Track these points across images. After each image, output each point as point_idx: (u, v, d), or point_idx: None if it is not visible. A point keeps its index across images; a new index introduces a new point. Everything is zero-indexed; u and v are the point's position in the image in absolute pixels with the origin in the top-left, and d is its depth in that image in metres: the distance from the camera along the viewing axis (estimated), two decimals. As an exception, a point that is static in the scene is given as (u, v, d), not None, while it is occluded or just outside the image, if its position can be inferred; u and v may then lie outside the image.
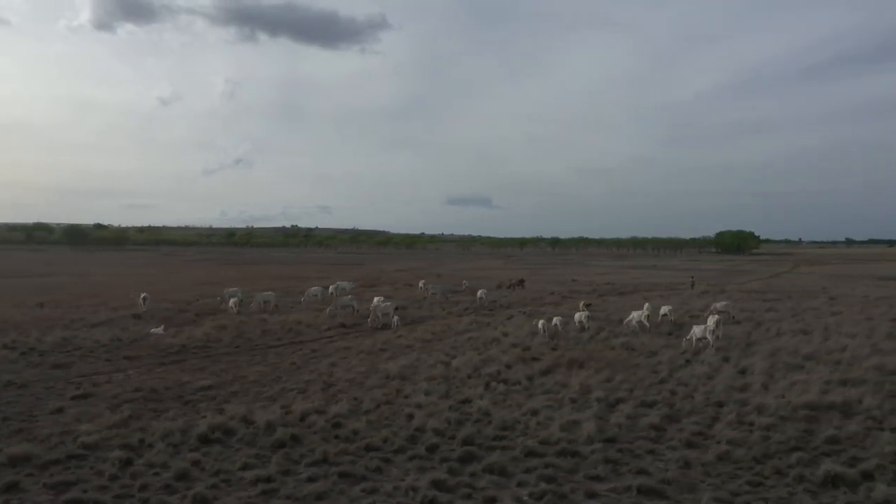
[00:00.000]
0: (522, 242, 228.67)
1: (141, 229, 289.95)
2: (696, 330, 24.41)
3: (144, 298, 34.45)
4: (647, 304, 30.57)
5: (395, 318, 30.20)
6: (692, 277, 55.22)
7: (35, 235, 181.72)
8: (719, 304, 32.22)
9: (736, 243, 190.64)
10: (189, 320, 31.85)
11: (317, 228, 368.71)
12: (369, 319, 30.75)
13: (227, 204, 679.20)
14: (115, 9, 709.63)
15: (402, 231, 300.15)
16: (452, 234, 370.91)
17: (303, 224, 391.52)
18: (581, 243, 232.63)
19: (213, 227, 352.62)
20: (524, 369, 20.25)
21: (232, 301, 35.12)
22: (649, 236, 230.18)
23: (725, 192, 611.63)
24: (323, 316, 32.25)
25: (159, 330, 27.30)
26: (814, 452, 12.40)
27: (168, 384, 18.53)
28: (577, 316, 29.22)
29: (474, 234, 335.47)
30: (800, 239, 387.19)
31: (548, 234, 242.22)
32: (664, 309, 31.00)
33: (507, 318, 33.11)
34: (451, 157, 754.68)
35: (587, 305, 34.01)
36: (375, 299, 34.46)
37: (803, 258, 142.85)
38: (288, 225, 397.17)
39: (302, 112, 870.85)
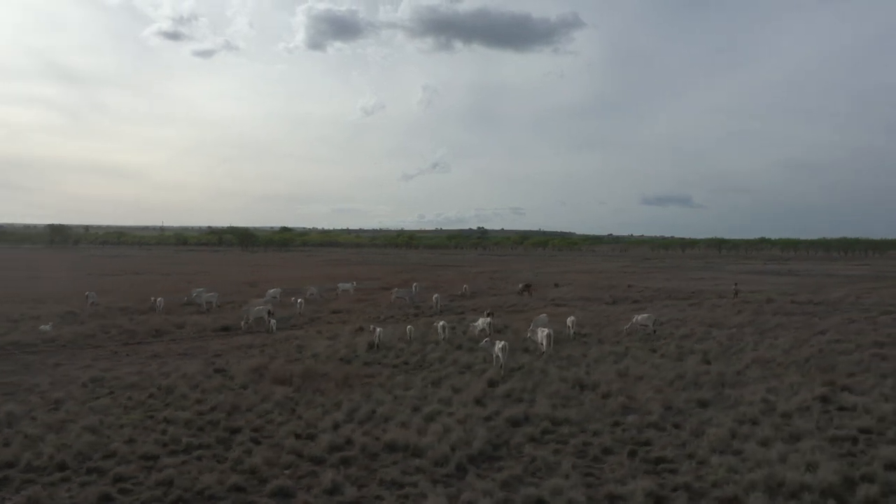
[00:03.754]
0: (683, 243, 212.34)
1: (325, 231, 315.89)
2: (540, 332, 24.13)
3: (88, 296, 37.36)
4: (483, 318, 28.69)
5: (273, 321, 30.01)
6: (736, 285, 48.28)
7: (224, 238, 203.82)
8: (640, 318, 28.41)
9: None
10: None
11: (502, 230, 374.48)
12: (242, 322, 30.78)
13: (425, 207, 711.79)
14: (326, 29, 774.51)
15: (589, 232, 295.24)
16: (643, 235, 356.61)
17: (494, 226, 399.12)
18: (761, 244, 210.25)
19: (406, 229, 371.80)
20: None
21: (203, 299, 37.25)
22: (863, 237, 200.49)
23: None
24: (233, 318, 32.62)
25: (47, 327, 29.41)
26: None
27: None
28: (479, 323, 27.97)
29: (673, 234, 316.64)
30: None
31: (753, 235, 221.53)
32: (569, 320, 28.41)
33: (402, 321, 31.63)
34: (647, 154, 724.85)
35: (489, 314, 31.41)
36: (299, 300, 34.65)
37: None
38: (475, 227, 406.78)
39: (495, 115, 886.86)
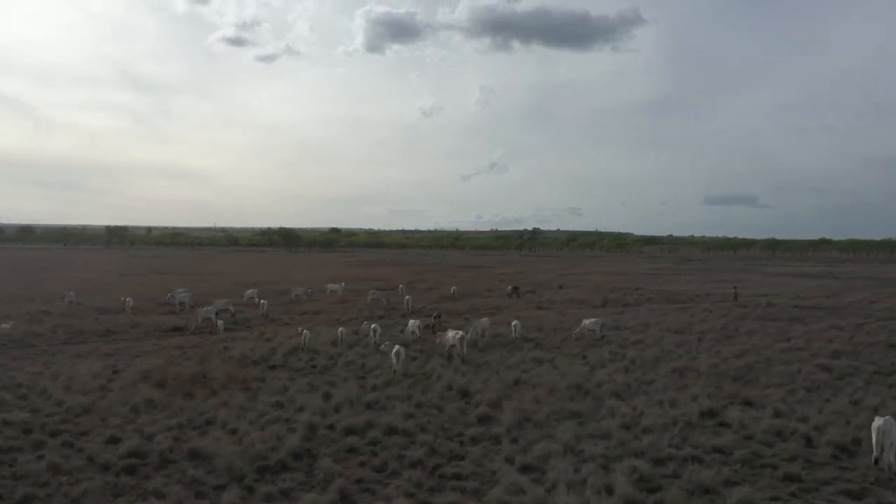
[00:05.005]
0: (737, 243, 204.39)
1: (371, 233, 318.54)
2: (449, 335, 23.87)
3: (65, 296, 38.39)
4: (413, 321, 28.39)
5: (220, 322, 30.11)
6: (735, 289, 46.10)
7: (273, 239, 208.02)
8: (588, 322, 27.42)
9: None
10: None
11: (558, 231, 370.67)
12: (191, 323, 30.86)
13: (482, 208, 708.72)
14: (385, 31, 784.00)
15: (647, 233, 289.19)
16: (704, 236, 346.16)
17: (552, 227, 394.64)
18: (822, 245, 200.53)
19: (461, 230, 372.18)
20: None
21: (177, 299, 37.86)
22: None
23: None
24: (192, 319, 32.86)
25: (7, 325, 30.30)
26: None
27: None
28: (409, 325, 27.72)
29: (736, 235, 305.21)
30: None
31: (822, 235, 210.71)
32: (513, 324, 27.72)
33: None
34: (710, 153, 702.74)
35: (437, 317, 30.73)
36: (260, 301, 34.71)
37: None
38: (530, 228, 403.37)
39: (553, 115, 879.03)
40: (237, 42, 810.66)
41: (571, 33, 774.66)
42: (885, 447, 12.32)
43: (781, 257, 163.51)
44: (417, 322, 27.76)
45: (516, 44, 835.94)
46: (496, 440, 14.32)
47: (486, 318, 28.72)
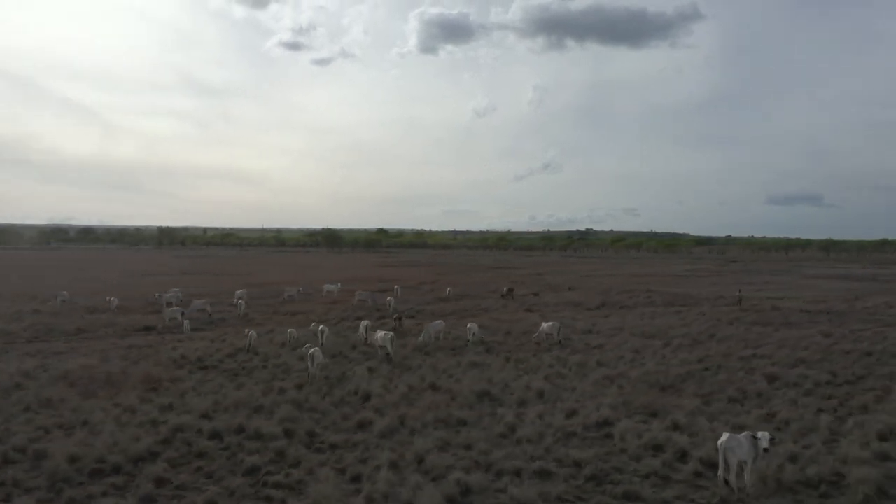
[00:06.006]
0: (790, 244, 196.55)
1: (420, 233, 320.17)
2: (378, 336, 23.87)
3: (58, 296, 39.55)
4: (364, 322, 28.02)
5: (186, 322, 30.45)
6: (739, 291, 44.21)
7: (317, 240, 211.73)
8: (545, 326, 26.78)
9: None
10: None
11: (611, 231, 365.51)
12: (160, 325, 31.31)
13: (536, 208, 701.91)
14: (438, 33, 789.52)
15: (705, 234, 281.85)
16: (765, 237, 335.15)
17: (606, 227, 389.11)
18: (884, 246, 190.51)
19: (513, 230, 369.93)
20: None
21: (164, 299, 38.63)
22: None
23: None
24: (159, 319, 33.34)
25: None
26: None
27: None
28: (361, 327, 27.52)
29: (799, 235, 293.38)
30: None
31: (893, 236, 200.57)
32: (468, 326, 27.41)
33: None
34: (772, 150, 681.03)
35: (398, 319, 30.36)
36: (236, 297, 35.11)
37: None
38: (583, 228, 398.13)
39: (607, 113, 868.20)
40: (293, 46, 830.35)
41: (627, 30, 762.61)
42: (732, 465, 11.40)
43: (836, 258, 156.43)
44: (367, 322, 27.47)
45: (570, 42, 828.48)
46: (355, 447, 13.90)
47: (440, 321, 28.24)
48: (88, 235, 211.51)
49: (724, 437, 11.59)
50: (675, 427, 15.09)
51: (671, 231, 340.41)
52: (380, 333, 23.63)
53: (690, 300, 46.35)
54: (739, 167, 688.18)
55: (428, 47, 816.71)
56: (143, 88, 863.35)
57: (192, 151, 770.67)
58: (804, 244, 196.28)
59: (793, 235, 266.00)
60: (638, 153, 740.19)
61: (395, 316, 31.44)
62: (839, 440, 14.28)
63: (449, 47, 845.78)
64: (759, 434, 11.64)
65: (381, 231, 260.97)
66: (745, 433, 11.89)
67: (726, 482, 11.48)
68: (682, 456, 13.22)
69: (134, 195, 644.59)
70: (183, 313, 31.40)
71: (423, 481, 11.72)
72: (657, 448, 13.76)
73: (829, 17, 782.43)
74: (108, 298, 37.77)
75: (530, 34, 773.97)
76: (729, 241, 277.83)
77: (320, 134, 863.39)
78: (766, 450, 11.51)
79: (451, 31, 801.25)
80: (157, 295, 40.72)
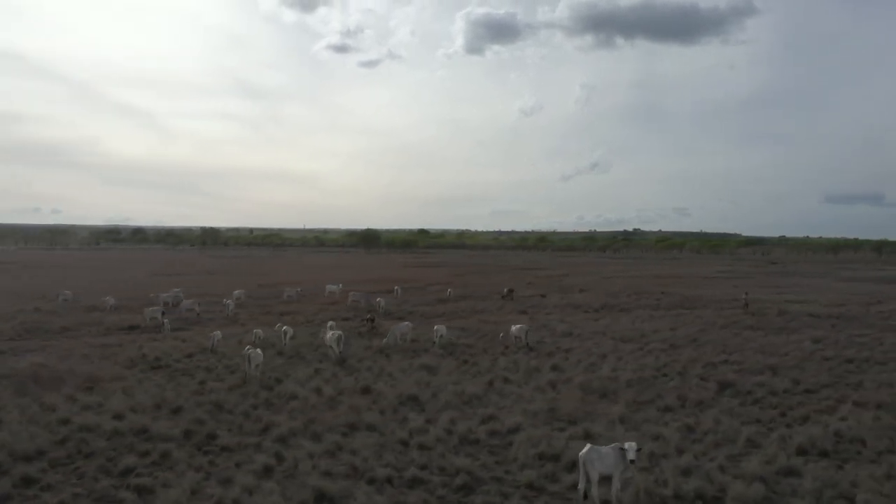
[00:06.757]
0: (845, 244, 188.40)
1: (464, 233, 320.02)
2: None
3: (59, 294, 40.62)
4: (331, 323, 28.31)
5: (166, 321, 30.88)
6: (746, 295, 42.63)
7: (351, 239, 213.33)
8: (514, 329, 26.38)
9: None
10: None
11: (660, 232, 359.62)
12: (143, 324, 31.78)
13: (584, 208, 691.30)
14: (485, 33, 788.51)
15: (758, 234, 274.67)
16: (821, 237, 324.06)
17: (655, 227, 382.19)
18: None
19: (559, 230, 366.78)
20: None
21: (161, 299, 39.49)
22: None
23: None
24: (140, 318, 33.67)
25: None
26: None
27: None
28: (330, 331, 27.42)
29: (859, 236, 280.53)
30: None
31: None
32: (435, 328, 27.35)
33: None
34: (832, 148, 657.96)
35: (370, 320, 30.17)
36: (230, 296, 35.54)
37: None
38: (630, 229, 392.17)
39: (658, 112, 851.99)
40: (341, 49, 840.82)
41: (678, 27, 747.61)
42: (593, 478, 10.84)
43: (886, 260, 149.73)
44: (332, 323, 27.57)
45: (619, 40, 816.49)
46: (245, 450, 13.77)
47: (406, 323, 27.97)
48: (137, 236, 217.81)
49: (586, 448, 11.04)
50: (587, 436, 14.50)
51: (722, 231, 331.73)
52: (328, 334, 23.52)
53: (699, 302, 44.94)
54: (795, 165, 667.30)
55: (474, 48, 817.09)
56: (196, 92, 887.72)
57: (244, 153, 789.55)
58: (857, 245, 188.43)
59: (850, 235, 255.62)
60: (689, 152, 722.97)
61: (367, 317, 31.27)
62: (753, 453, 13.51)
63: (495, 47, 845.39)
64: (626, 445, 11.06)
65: (422, 231, 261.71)
66: (613, 444, 11.31)
67: (585, 496, 10.93)
68: (573, 466, 12.64)
69: (188, 196, 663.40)
70: (163, 313, 31.86)
71: (277, 488, 11.48)
72: (553, 458, 13.28)
73: (886, 11, 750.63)
74: (104, 298, 38.61)
75: (578, 32, 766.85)
76: (781, 242, 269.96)
77: (368, 136, 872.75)
78: (632, 461, 10.93)
79: (498, 31, 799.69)
80: (151, 295, 41.52)
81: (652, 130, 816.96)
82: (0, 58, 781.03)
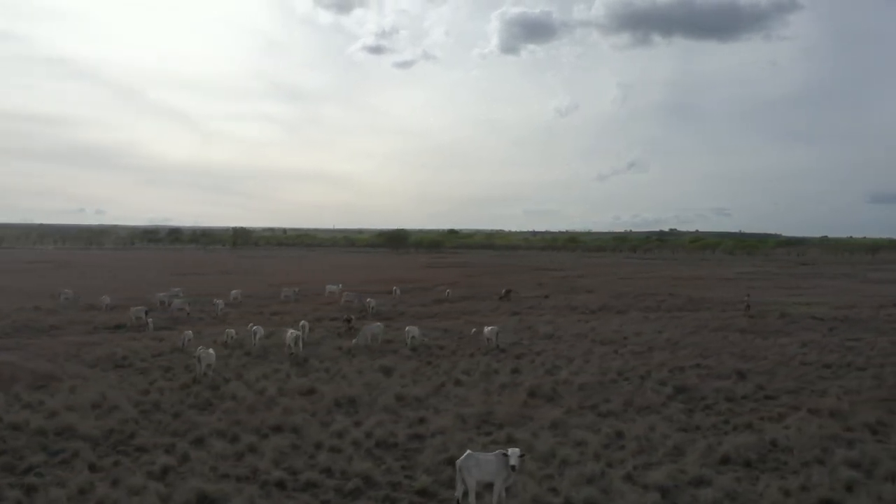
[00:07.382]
0: (877, 244, 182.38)
1: (493, 233, 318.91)
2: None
3: (61, 293, 41.46)
4: (304, 322, 28.19)
5: (150, 321, 31.24)
6: (748, 297, 41.46)
7: (380, 239, 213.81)
8: (487, 330, 26.11)
9: None
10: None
11: (696, 232, 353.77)
12: (128, 323, 32.21)
13: (620, 208, 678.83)
14: (520, 32, 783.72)
15: (800, 234, 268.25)
16: (865, 237, 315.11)
17: (693, 228, 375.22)
18: None
19: (594, 231, 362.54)
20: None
21: (158, 298, 40.21)
22: None
23: None
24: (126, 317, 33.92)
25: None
26: None
27: None
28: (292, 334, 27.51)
29: None
30: None
31: None
32: (407, 329, 27.20)
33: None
34: (876, 146, 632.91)
35: (347, 321, 30.07)
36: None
37: None
38: (667, 229, 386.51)
39: (696, 110, 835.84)
40: (376, 50, 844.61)
41: (717, 23, 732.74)
42: (470, 486, 10.51)
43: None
44: (304, 323, 27.55)
45: (657, 38, 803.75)
46: (155, 450, 13.74)
47: (379, 324, 27.82)
48: (172, 236, 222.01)
49: (464, 455, 10.72)
50: (509, 440, 14.18)
51: (763, 232, 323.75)
52: (288, 332, 23.51)
53: (703, 305, 43.90)
54: (839, 164, 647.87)
55: (509, 47, 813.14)
56: (235, 95, 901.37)
57: (282, 155, 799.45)
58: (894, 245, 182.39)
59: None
60: (728, 151, 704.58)
61: (344, 317, 31.21)
62: (669, 462, 13.02)
63: (531, 46, 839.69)
64: (509, 451, 10.70)
65: (451, 232, 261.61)
66: (496, 451, 10.97)
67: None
68: (474, 473, 12.29)
69: (225, 197, 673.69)
70: (147, 312, 32.25)
71: (163, 490, 11.40)
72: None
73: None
74: (101, 297, 39.31)
75: (614, 30, 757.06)
76: (823, 242, 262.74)
77: (403, 136, 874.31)
78: (513, 467, 10.57)
79: (533, 30, 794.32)
80: (160, 294, 42.24)
81: (690, 129, 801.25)
82: (47, 63, 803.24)
